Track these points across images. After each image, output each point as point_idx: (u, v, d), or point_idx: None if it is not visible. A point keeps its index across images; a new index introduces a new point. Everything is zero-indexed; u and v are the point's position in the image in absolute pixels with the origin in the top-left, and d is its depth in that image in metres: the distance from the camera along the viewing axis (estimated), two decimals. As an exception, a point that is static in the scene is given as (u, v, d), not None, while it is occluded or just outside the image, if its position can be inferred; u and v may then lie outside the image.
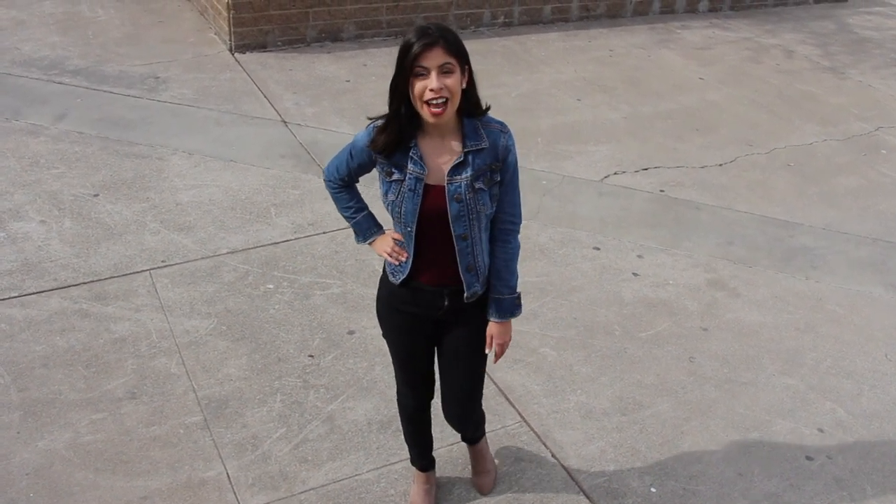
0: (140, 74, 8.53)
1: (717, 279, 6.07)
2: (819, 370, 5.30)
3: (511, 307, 3.58)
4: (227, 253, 5.92)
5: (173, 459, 4.36)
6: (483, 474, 4.33)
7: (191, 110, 7.89)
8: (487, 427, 4.40)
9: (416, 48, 3.09)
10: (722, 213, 6.88)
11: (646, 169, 7.49)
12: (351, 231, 3.74)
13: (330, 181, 3.64)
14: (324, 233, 6.18)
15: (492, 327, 3.62)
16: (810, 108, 9.01)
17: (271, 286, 5.63)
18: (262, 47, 9.38)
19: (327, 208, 6.39)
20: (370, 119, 3.40)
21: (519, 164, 3.46)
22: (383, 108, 3.31)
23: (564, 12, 10.95)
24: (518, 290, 3.59)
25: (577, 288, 5.85)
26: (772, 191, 7.30)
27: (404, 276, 3.52)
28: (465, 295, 3.51)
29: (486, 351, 3.67)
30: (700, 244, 6.46)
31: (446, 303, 3.55)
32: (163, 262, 5.79)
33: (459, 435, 4.28)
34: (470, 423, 4.07)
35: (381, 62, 9.20)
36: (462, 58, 3.18)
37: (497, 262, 3.52)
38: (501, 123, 3.40)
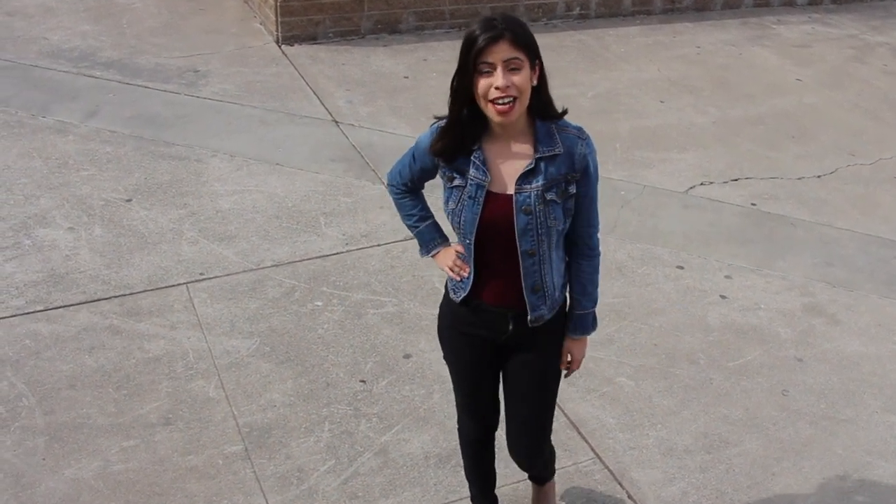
0: (178, 68, 8.66)
1: (814, 304, 6.04)
2: (929, 408, 5.26)
3: (593, 321, 3.63)
4: (272, 266, 5.98)
5: (211, 492, 4.40)
6: None
7: (233, 108, 7.99)
8: (557, 464, 4.40)
9: (479, 42, 3.08)
10: (820, 231, 6.84)
11: (735, 180, 7.47)
12: (408, 244, 3.77)
13: (392, 185, 3.67)
14: (378, 245, 6.20)
15: (571, 345, 3.64)
16: (922, 113, 8.94)
17: (320, 303, 5.69)
18: (311, 39, 9.47)
19: (382, 218, 6.42)
20: (436, 118, 3.41)
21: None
22: (444, 107, 3.32)
23: (647, 4, 10.94)
24: None
25: (657, 311, 5.85)
26: (876, 206, 7.25)
27: (465, 293, 3.52)
28: (529, 318, 3.49)
29: (564, 372, 3.69)
30: (795, 264, 6.43)
31: (511, 327, 3.53)
32: (201, 274, 5.87)
33: (526, 472, 4.26)
34: (538, 461, 4.02)
35: (442, 57, 9.26)
36: (531, 52, 3.16)
37: (582, 275, 3.52)
38: (579, 129, 3.35)
